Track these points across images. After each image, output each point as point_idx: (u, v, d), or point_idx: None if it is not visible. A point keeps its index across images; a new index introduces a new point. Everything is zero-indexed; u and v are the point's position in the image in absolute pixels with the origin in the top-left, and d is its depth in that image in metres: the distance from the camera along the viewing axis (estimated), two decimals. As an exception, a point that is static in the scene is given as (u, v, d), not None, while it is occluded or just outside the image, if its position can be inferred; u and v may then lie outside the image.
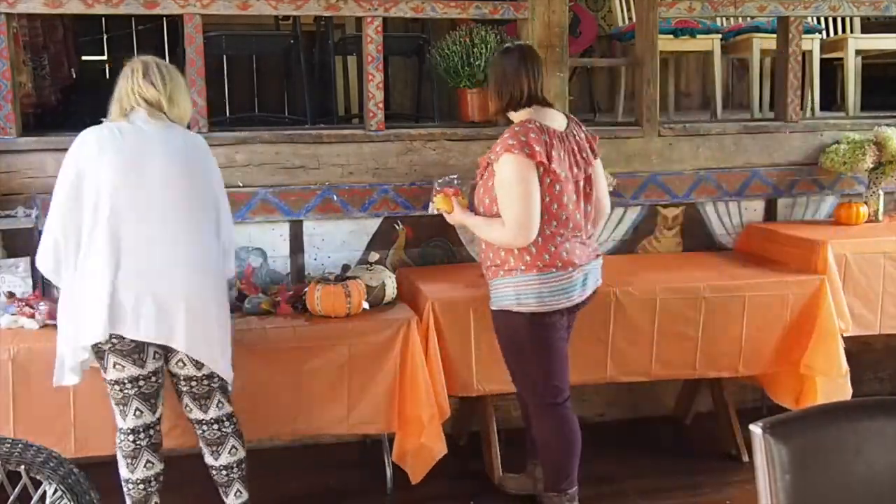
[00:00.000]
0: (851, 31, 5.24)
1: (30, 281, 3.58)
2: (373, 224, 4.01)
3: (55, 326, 3.21)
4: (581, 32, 5.00)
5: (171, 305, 2.83)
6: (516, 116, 3.15)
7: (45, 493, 1.95)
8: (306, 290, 3.51)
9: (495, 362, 3.42)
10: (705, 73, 6.02)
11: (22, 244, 3.62)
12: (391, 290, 3.58)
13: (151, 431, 2.95)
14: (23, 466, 1.97)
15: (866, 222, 4.27)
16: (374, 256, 3.72)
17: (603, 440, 4.18)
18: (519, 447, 3.59)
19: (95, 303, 2.77)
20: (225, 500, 3.08)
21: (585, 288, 3.17)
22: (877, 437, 1.70)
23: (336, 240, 3.98)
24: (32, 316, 3.26)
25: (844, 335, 3.74)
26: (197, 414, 3.02)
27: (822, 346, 3.68)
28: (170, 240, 2.86)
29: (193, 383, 2.98)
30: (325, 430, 3.50)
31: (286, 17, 4.92)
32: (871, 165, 4.22)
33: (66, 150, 3.67)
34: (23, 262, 3.57)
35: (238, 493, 3.07)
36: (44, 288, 3.63)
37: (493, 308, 3.16)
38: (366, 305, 3.46)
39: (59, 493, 1.93)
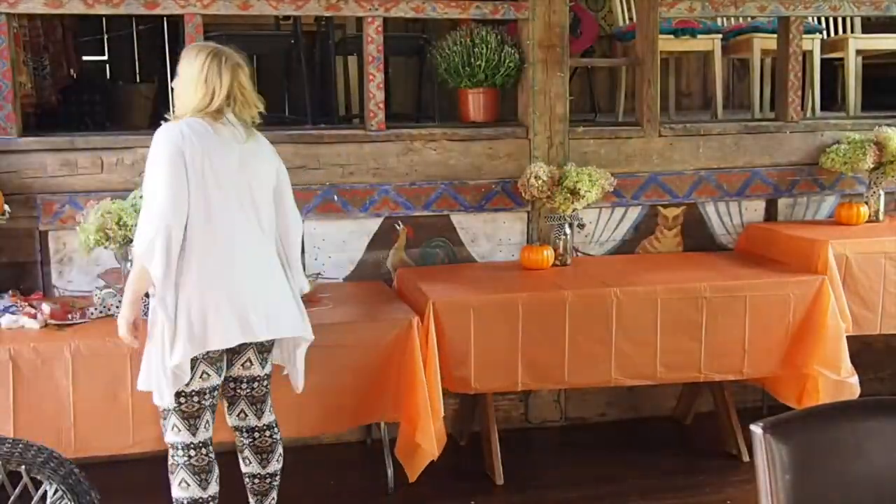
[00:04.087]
0: (852, 31, 5.24)
1: (30, 281, 3.58)
2: (373, 224, 4.01)
3: (56, 327, 3.22)
4: (582, 32, 4.99)
5: (277, 302, 2.80)
6: None
7: (45, 493, 1.96)
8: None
9: (495, 362, 3.43)
10: (706, 73, 6.01)
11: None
12: None
13: (211, 445, 2.82)
14: (23, 466, 1.97)
15: (867, 222, 4.26)
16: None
17: (603, 440, 4.19)
18: (519, 447, 3.58)
19: (221, 307, 2.64)
20: None
21: None
22: (877, 437, 1.71)
23: (337, 240, 3.97)
24: (34, 316, 3.25)
25: (845, 335, 3.73)
26: (252, 421, 2.92)
27: (829, 347, 3.66)
28: (256, 239, 2.78)
29: (255, 384, 2.89)
30: (329, 430, 3.46)
31: (286, 17, 4.91)
32: (872, 165, 4.22)
33: (66, 150, 3.66)
34: (23, 262, 3.58)
35: (272, 500, 3.01)
36: (44, 288, 3.64)
37: None
38: None
39: (59, 493, 1.94)
